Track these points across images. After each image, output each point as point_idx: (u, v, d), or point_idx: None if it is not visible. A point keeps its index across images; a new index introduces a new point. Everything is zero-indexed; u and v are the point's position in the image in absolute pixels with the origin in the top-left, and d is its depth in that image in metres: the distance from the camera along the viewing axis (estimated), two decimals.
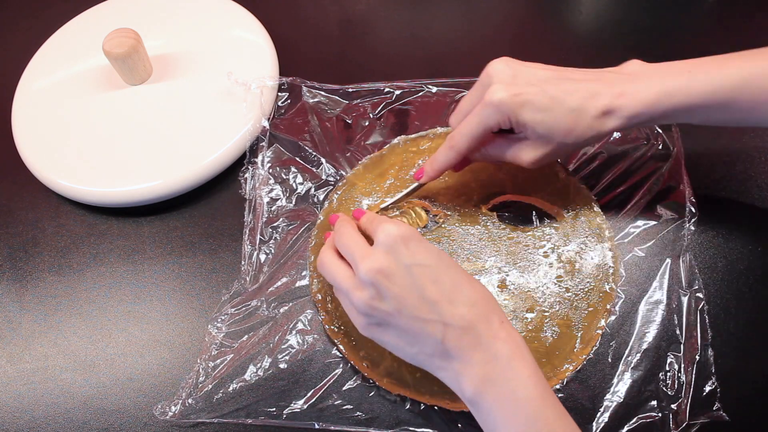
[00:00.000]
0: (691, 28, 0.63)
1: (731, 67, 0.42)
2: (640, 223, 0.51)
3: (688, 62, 0.44)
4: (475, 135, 0.43)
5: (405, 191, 0.50)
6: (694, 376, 0.44)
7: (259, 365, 0.46)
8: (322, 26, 0.67)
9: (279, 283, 0.50)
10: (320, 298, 0.48)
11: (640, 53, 0.61)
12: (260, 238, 0.51)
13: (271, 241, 0.51)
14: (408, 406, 0.44)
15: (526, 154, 0.43)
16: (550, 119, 0.41)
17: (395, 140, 0.55)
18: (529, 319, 0.47)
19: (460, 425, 0.44)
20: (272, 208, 0.53)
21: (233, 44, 0.62)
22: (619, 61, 0.60)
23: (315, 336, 0.47)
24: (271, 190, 0.54)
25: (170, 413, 0.45)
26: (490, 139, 0.45)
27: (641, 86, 0.42)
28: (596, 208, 0.51)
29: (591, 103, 0.40)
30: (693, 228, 0.50)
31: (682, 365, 0.44)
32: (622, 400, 0.44)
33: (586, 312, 0.47)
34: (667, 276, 0.48)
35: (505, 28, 0.65)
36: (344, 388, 0.45)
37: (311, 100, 0.58)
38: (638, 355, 0.45)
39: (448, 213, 0.51)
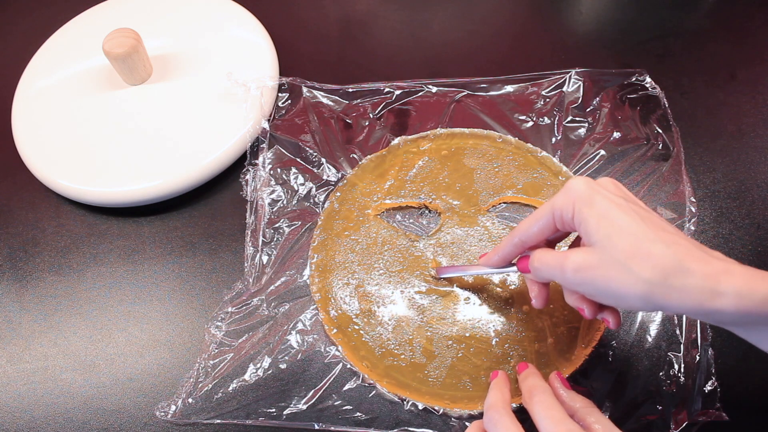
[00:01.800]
0: (691, 28, 0.63)
1: None
2: None
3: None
4: (541, 223, 0.38)
5: (467, 272, 0.47)
6: (694, 376, 0.44)
7: (259, 365, 0.46)
8: (322, 26, 0.67)
9: (279, 283, 0.50)
10: (320, 298, 0.48)
11: (639, 53, 0.62)
12: (262, 240, 0.51)
13: (273, 242, 0.51)
14: (407, 407, 0.44)
15: (575, 257, 0.35)
16: (616, 227, 0.34)
17: (395, 141, 0.55)
18: (531, 320, 0.47)
19: (458, 426, 0.44)
20: (274, 209, 0.53)
21: (233, 44, 0.62)
22: (619, 60, 0.61)
23: (315, 336, 0.47)
24: (273, 191, 0.54)
25: (170, 413, 0.45)
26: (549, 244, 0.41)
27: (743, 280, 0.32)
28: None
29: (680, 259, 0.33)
30: (693, 228, 0.50)
31: (682, 365, 0.44)
32: (622, 400, 0.44)
33: None
34: None
35: (505, 28, 0.65)
36: (344, 389, 0.45)
37: (311, 101, 0.58)
38: (638, 355, 0.45)
39: (449, 214, 0.51)
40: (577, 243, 0.40)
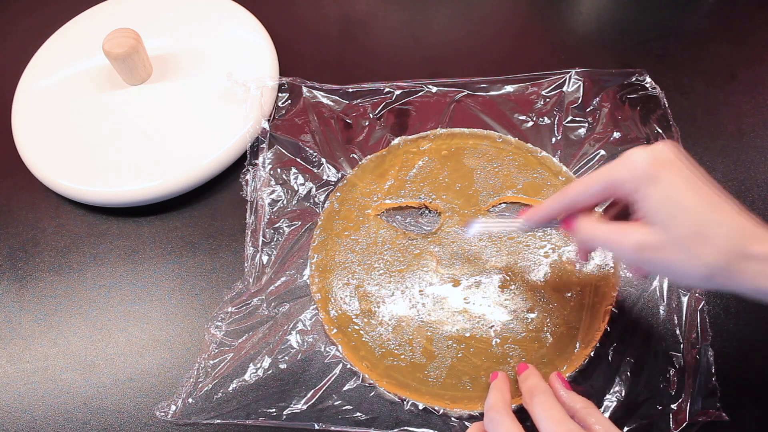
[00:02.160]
0: (691, 28, 0.63)
1: None
2: None
3: None
4: (595, 190, 0.36)
5: (501, 225, 0.46)
6: (694, 376, 0.44)
7: (258, 365, 0.46)
8: (322, 26, 0.67)
9: (279, 283, 0.50)
10: (320, 298, 0.48)
11: (639, 53, 0.62)
12: (262, 240, 0.51)
13: (273, 242, 0.51)
14: (407, 407, 0.44)
15: (633, 235, 0.35)
16: (681, 205, 0.33)
17: (395, 141, 0.55)
18: (530, 320, 0.47)
19: (458, 426, 0.44)
20: (274, 209, 0.53)
21: (233, 44, 0.62)
22: (619, 60, 0.61)
23: (315, 336, 0.47)
24: (273, 191, 0.54)
25: (170, 413, 0.45)
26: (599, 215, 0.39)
27: None
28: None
29: (742, 235, 0.33)
30: None
31: (682, 365, 0.44)
32: (622, 400, 0.44)
33: (587, 312, 0.47)
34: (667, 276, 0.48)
35: (505, 28, 0.65)
36: (344, 389, 0.45)
37: (311, 101, 0.58)
38: (638, 355, 0.45)
39: (449, 214, 0.51)
40: (614, 206, 0.40)
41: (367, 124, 0.57)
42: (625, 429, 0.43)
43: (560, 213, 0.39)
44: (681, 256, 0.33)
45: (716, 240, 0.32)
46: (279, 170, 0.55)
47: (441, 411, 0.44)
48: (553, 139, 0.55)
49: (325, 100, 0.58)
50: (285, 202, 0.53)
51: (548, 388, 0.39)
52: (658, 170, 0.33)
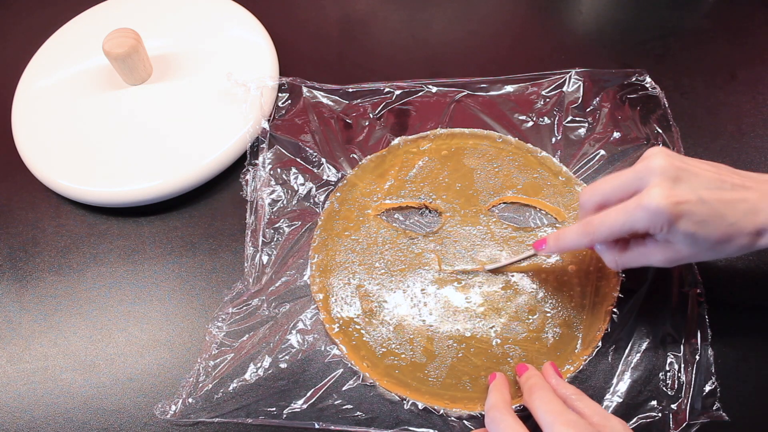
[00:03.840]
0: (691, 28, 0.63)
1: None
2: None
3: None
4: (617, 233, 0.38)
5: (515, 258, 0.47)
6: (694, 376, 0.44)
7: (259, 365, 0.46)
8: (322, 26, 0.67)
9: (279, 283, 0.50)
10: (320, 298, 0.48)
11: (639, 53, 0.62)
12: (262, 240, 0.51)
13: (273, 242, 0.51)
14: (407, 406, 0.44)
15: (662, 254, 0.39)
16: (704, 232, 0.37)
17: (395, 141, 0.55)
18: (531, 320, 0.47)
19: (458, 425, 0.44)
20: (274, 209, 0.53)
21: (233, 44, 0.62)
22: (619, 60, 0.61)
23: (315, 336, 0.47)
24: (273, 191, 0.54)
25: (170, 413, 0.45)
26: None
27: None
28: None
29: (750, 219, 0.37)
30: None
31: (682, 365, 0.44)
32: (622, 400, 0.44)
33: (587, 313, 0.47)
34: (667, 276, 0.48)
35: (504, 27, 0.65)
36: (344, 388, 0.45)
37: (311, 101, 0.58)
38: (638, 355, 0.45)
39: (449, 214, 0.51)
40: None
41: (367, 124, 0.57)
42: None
43: (582, 248, 0.43)
44: (710, 254, 0.38)
45: (737, 238, 0.37)
46: (279, 170, 0.55)
47: (441, 411, 0.44)
48: (553, 139, 0.55)
49: (325, 100, 0.59)
50: (285, 202, 0.53)
51: (547, 384, 0.40)
52: (678, 210, 0.36)
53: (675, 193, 0.36)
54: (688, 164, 0.37)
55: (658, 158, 0.37)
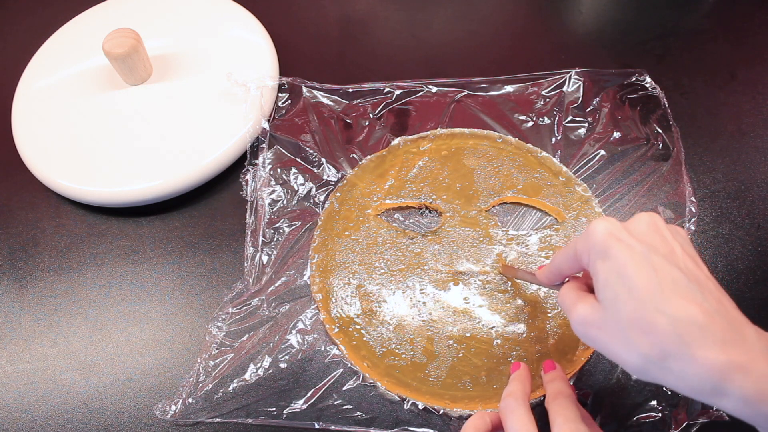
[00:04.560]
0: (691, 28, 0.63)
1: None
2: None
3: None
4: (563, 261, 0.37)
5: (527, 277, 0.46)
6: None
7: (259, 365, 0.46)
8: (322, 26, 0.67)
9: (279, 283, 0.50)
10: (320, 298, 0.48)
11: (639, 53, 0.62)
12: (262, 240, 0.51)
13: (273, 242, 0.51)
14: (407, 406, 0.44)
15: (579, 309, 0.34)
16: (623, 283, 0.31)
17: (395, 141, 0.55)
18: (532, 321, 0.47)
19: (458, 425, 0.44)
20: (274, 209, 0.53)
21: (233, 44, 0.62)
22: (619, 60, 0.61)
23: (315, 336, 0.47)
24: (273, 191, 0.54)
25: (170, 413, 0.45)
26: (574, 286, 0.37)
27: None
28: (597, 209, 0.51)
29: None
30: (693, 228, 0.50)
31: None
32: (622, 400, 0.44)
33: None
34: None
35: (505, 28, 0.65)
36: (344, 388, 0.45)
37: (311, 101, 0.58)
38: None
39: (449, 214, 0.51)
40: None
41: (367, 124, 0.57)
42: (625, 429, 0.43)
43: (555, 279, 0.39)
44: (619, 339, 0.31)
45: (656, 331, 0.29)
46: (279, 170, 0.55)
47: (441, 411, 0.44)
48: (553, 139, 0.55)
49: (325, 100, 0.58)
50: (285, 202, 0.53)
51: (572, 393, 0.39)
52: (612, 243, 0.31)
53: (620, 234, 0.32)
54: (670, 244, 0.32)
55: (642, 216, 0.33)
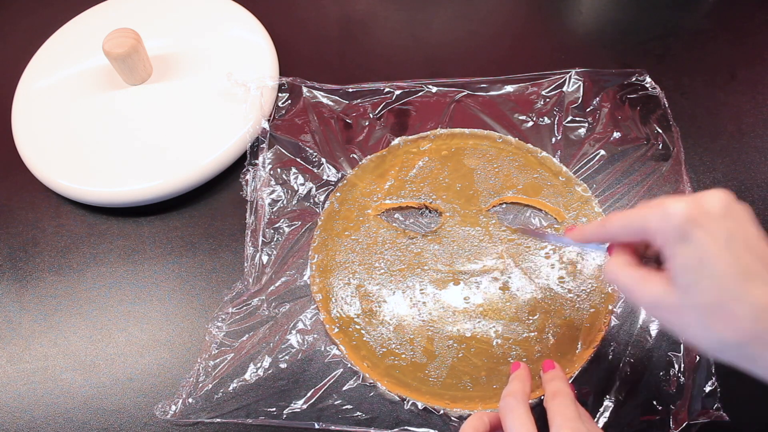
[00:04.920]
0: (691, 28, 0.63)
1: None
2: None
3: None
4: (629, 229, 0.34)
5: (542, 231, 0.46)
6: (694, 376, 0.44)
7: (259, 365, 0.46)
8: (322, 26, 0.67)
9: (279, 283, 0.50)
10: (320, 298, 0.48)
11: (639, 53, 0.62)
12: (262, 240, 0.51)
13: (273, 242, 0.51)
14: (407, 406, 0.44)
15: (659, 287, 0.33)
16: (707, 270, 0.31)
17: (395, 141, 0.55)
18: (532, 321, 0.47)
19: (458, 425, 0.44)
20: (274, 209, 0.53)
21: (233, 44, 0.62)
22: (619, 60, 0.61)
23: (315, 336, 0.47)
24: (273, 191, 0.54)
25: (170, 413, 0.45)
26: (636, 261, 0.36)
27: None
28: (597, 209, 0.51)
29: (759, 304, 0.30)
30: None
31: (682, 365, 0.44)
32: (622, 400, 0.44)
33: (588, 313, 0.47)
34: None
35: (505, 28, 0.65)
36: (344, 388, 0.45)
37: (311, 101, 0.58)
38: (638, 355, 0.45)
39: (449, 214, 0.51)
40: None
41: (367, 124, 0.57)
42: (626, 429, 0.43)
43: (601, 242, 0.38)
44: (696, 324, 0.31)
45: (736, 317, 0.30)
46: (279, 170, 0.55)
47: (441, 411, 0.44)
48: (553, 139, 0.55)
49: (325, 100, 0.58)
50: (285, 202, 0.53)
51: (570, 392, 0.39)
52: (692, 228, 0.31)
53: (700, 217, 0.31)
54: (743, 221, 0.32)
55: (714, 193, 0.33)
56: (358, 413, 0.44)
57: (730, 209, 0.32)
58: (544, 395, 0.41)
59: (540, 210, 0.52)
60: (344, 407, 0.45)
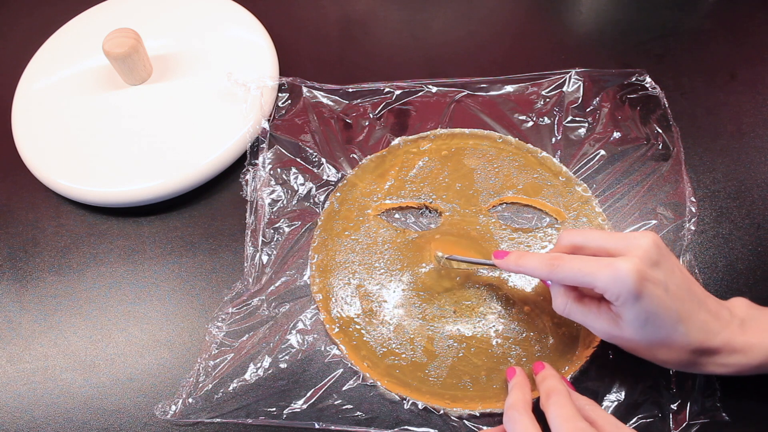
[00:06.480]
0: (691, 28, 0.63)
1: None
2: (640, 223, 0.51)
3: None
4: (577, 280, 0.38)
5: (474, 260, 0.47)
6: (694, 376, 0.44)
7: (259, 365, 0.46)
8: (322, 26, 0.67)
9: (279, 283, 0.50)
10: (320, 298, 0.48)
11: (639, 53, 0.62)
12: (262, 240, 0.51)
13: (273, 242, 0.51)
14: (408, 406, 0.44)
15: (606, 324, 0.39)
16: (654, 324, 0.37)
17: (395, 141, 0.55)
18: (532, 320, 0.47)
19: (458, 425, 0.44)
20: (274, 209, 0.53)
21: (233, 44, 0.62)
22: (619, 60, 0.61)
23: (315, 336, 0.47)
24: (273, 191, 0.54)
25: (170, 413, 0.45)
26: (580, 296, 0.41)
27: (753, 341, 0.38)
28: (597, 208, 0.51)
29: (699, 336, 0.38)
30: (693, 228, 0.50)
31: None
32: (622, 400, 0.44)
33: None
34: None
35: (504, 28, 0.65)
36: (344, 388, 0.45)
37: (311, 101, 0.58)
38: None
39: (449, 214, 0.51)
40: None
41: (367, 124, 0.57)
42: None
43: (539, 277, 0.43)
44: (644, 351, 0.39)
45: (675, 350, 0.38)
46: (279, 170, 0.55)
47: (441, 410, 0.44)
48: (553, 139, 0.55)
49: (325, 100, 0.59)
50: (285, 202, 0.53)
51: (564, 389, 0.39)
52: (643, 288, 0.36)
53: (647, 272, 0.36)
54: (671, 259, 0.39)
55: (648, 238, 0.38)
56: (358, 413, 0.44)
57: (661, 251, 0.38)
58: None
59: (540, 210, 0.52)
60: (344, 407, 0.45)
